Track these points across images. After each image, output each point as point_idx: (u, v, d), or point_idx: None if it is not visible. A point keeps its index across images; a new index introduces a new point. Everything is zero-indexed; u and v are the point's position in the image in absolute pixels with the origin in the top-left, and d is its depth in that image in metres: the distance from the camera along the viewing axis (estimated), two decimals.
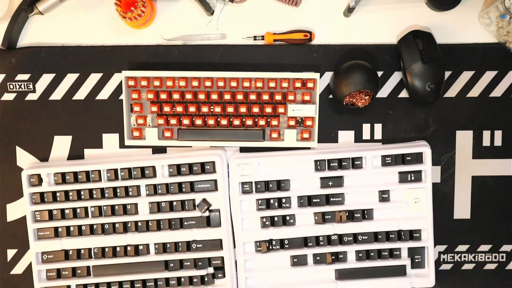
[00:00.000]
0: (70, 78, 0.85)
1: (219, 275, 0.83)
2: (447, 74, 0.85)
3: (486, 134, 0.85)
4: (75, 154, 0.86)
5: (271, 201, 0.83)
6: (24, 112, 0.86)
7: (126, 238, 0.83)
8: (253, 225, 0.83)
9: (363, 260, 0.83)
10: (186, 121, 0.83)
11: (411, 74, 0.82)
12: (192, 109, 0.83)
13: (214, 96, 0.83)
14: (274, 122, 0.83)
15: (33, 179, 0.83)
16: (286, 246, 0.83)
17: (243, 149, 0.85)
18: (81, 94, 0.86)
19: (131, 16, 0.80)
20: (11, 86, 0.86)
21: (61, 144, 0.86)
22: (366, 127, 0.85)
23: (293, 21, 0.85)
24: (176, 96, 0.83)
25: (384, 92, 0.85)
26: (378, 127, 0.85)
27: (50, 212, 0.83)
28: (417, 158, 0.82)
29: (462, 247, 0.86)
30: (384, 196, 0.83)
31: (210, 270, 0.83)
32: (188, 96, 0.83)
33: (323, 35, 0.85)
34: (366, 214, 0.83)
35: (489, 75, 0.85)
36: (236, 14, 0.86)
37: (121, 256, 0.83)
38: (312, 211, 0.83)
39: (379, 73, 0.85)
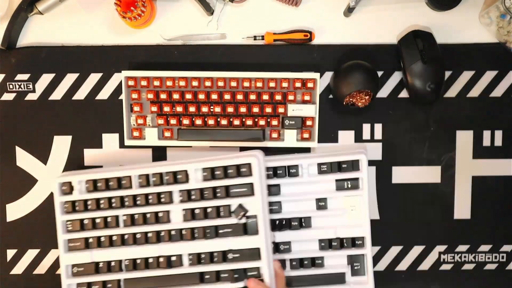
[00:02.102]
0: (70, 78, 0.85)
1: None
2: (447, 74, 0.85)
3: (486, 134, 0.85)
4: (75, 154, 0.86)
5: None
6: (24, 112, 0.86)
7: (159, 248, 0.78)
8: None
9: (300, 268, 0.82)
10: (186, 121, 0.83)
11: (411, 74, 0.81)
12: (192, 109, 0.83)
13: (214, 96, 0.83)
14: (274, 122, 0.83)
15: (65, 187, 0.79)
16: None
17: (243, 149, 0.85)
18: (81, 94, 0.86)
19: (131, 16, 0.80)
20: (11, 86, 0.86)
21: (61, 144, 0.86)
22: (366, 127, 0.85)
23: (293, 21, 0.85)
24: (176, 96, 0.83)
25: (384, 92, 0.85)
26: (378, 127, 0.85)
27: (81, 221, 0.79)
28: (353, 165, 0.81)
29: (462, 247, 0.86)
30: (321, 204, 0.81)
31: (244, 282, 0.76)
32: (188, 96, 0.83)
33: (323, 35, 0.85)
34: (303, 222, 0.81)
35: (489, 75, 0.85)
36: (236, 14, 0.86)
37: (154, 269, 0.78)
38: None
39: (379, 73, 0.85)
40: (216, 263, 0.77)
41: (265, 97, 0.83)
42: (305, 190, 0.82)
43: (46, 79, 0.85)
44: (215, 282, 0.76)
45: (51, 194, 0.86)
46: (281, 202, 0.82)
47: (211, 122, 0.83)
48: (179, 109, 0.83)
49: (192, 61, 0.85)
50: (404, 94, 0.85)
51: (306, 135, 0.83)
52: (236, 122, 0.83)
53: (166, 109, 0.83)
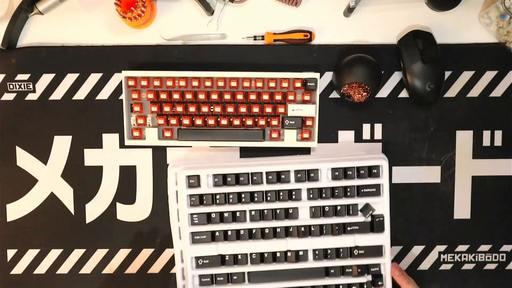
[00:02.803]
0: (70, 78, 0.85)
1: (379, 283, 0.81)
2: (447, 74, 0.85)
3: (486, 134, 0.85)
4: (75, 154, 0.86)
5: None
6: (24, 112, 0.86)
7: (287, 243, 0.81)
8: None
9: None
10: (186, 121, 0.83)
11: (411, 74, 0.82)
12: (192, 109, 0.83)
13: (214, 96, 0.83)
14: (274, 122, 0.83)
15: (192, 180, 0.80)
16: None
17: (243, 149, 0.85)
18: (81, 94, 0.85)
19: (131, 16, 0.80)
20: (11, 86, 0.86)
21: (61, 144, 0.86)
22: (366, 127, 0.85)
23: (293, 21, 0.85)
24: (176, 96, 0.83)
25: (384, 92, 0.85)
26: (378, 127, 0.85)
27: (208, 215, 0.81)
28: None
29: (462, 247, 0.86)
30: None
31: (369, 277, 0.82)
32: (188, 96, 0.83)
33: (323, 35, 0.85)
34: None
35: (489, 75, 0.85)
36: (236, 14, 0.86)
37: (281, 262, 0.81)
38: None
39: None
40: (342, 258, 0.81)
41: (265, 97, 0.83)
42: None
43: (46, 79, 0.85)
44: (339, 276, 0.81)
45: (52, 194, 0.86)
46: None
47: (211, 122, 0.83)
48: (179, 109, 0.83)
49: (192, 61, 0.85)
50: (404, 94, 0.85)
51: (306, 135, 0.83)
52: (236, 122, 0.83)
53: (166, 109, 0.83)
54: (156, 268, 0.87)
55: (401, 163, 0.86)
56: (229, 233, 0.81)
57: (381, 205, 0.81)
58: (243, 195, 0.80)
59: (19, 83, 0.86)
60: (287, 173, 0.80)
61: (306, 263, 0.81)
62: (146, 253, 0.86)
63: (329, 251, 0.81)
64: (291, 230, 0.81)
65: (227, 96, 0.83)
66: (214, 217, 0.81)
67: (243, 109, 0.83)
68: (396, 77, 0.85)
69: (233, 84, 0.82)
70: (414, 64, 0.81)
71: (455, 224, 0.86)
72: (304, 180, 0.81)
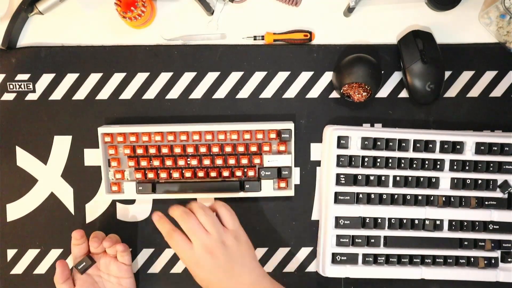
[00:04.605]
0: (70, 78, 0.85)
1: (509, 260, 0.83)
2: (447, 74, 0.85)
3: None
4: (75, 154, 0.86)
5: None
6: (24, 112, 0.86)
7: (425, 211, 0.83)
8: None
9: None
10: (163, 175, 0.83)
11: (411, 74, 0.82)
12: (168, 162, 0.83)
13: (190, 149, 0.82)
14: (251, 173, 0.83)
15: (343, 141, 0.81)
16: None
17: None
18: (81, 94, 0.85)
19: (131, 16, 0.80)
20: (11, 86, 0.86)
21: (61, 144, 0.86)
22: (366, 127, 0.85)
23: (293, 21, 0.85)
24: (152, 151, 0.83)
25: (384, 92, 0.85)
26: (378, 127, 0.85)
27: (355, 176, 0.82)
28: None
29: None
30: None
31: (498, 252, 0.83)
32: (165, 150, 0.83)
33: (323, 35, 0.85)
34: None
35: (489, 75, 0.85)
36: (236, 14, 0.86)
37: (418, 230, 0.83)
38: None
39: None
40: (477, 231, 0.83)
41: (241, 148, 0.82)
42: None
43: (46, 79, 0.85)
44: (471, 249, 0.83)
45: (52, 194, 0.86)
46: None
47: (188, 175, 0.83)
48: (156, 163, 0.83)
49: (192, 61, 0.85)
50: (404, 94, 0.85)
51: (283, 184, 0.83)
52: (213, 174, 0.83)
53: (143, 163, 0.83)
54: (156, 268, 0.87)
55: None
56: (372, 196, 0.82)
57: None
58: (390, 160, 0.81)
59: (19, 83, 0.86)
60: (433, 142, 0.81)
61: (442, 233, 0.83)
62: (146, 253, 0.86)
63: (465, 223, 0.83)
64: (431, 199, 0.82)
65: (202, 149, 0.82)
66: (360, 179, 0.82)
67: (219, 161, 0.83)
68: (396, 77, 0.85)
69: (208, 137, 0.82)
70: (414, 64, 0.81)
71: None
72: (449, 151, 0.82)
